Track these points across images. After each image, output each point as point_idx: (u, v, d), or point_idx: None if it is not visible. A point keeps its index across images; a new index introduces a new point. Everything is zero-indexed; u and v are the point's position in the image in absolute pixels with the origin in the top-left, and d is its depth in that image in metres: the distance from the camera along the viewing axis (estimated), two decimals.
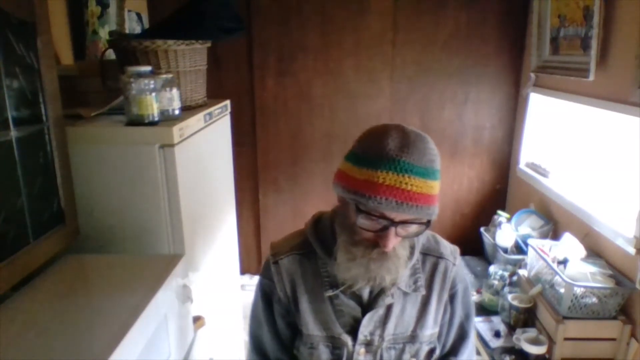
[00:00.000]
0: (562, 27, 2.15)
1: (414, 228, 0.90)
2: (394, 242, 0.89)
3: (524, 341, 1.73)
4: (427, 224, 0.90)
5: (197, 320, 1.38)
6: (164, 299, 1.07)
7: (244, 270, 2.85)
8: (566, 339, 1.72)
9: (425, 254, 1.05)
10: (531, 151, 2.62)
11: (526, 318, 1.90)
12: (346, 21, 2.62)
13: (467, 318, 1.10)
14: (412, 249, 1.01)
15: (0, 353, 0.83)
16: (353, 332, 1.00)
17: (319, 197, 2.89)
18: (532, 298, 1.90)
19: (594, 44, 1.86)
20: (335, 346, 1.02)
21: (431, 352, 1.06)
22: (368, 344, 1.01)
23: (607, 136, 1.99)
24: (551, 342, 1.74)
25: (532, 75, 2.46)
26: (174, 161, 1.28)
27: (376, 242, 0.90)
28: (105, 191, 1.30)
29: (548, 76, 2.33)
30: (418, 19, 2.62)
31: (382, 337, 1.01)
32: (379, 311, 1.00)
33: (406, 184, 0.84)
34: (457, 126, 2.79)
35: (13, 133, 1.03)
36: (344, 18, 2.62)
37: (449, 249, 1.09)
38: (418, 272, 1.03)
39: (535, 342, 1.73)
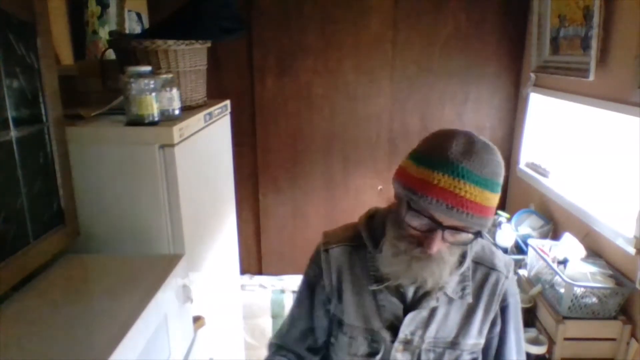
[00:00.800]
0: (562, 27, 2.15)
1: (462, 236, 0.89)
2: (439, 245, 0.87)
3: (524, 341, 1.73)
4: (477, 234, 0.89)
5: (197, 320, 1.38)
6: (164, 299, 1.07)
7: (244, 270, 2.85)
8: (566, 339, 1.71)
9: (477, 262, 1.04)
10: (531, 151, 2.62)
11: (526, 318, 1.89)
12: (346, 21, 2.62)
13: (519, 333, 1.09)
14: (463, 257, 0.99)
15: (0, 353, 0.83)
16: (392, 328, 1.01)
17: (319, 197, 2.89)
18: (532, 298, 1.90)
19: (594, 44, 1.86)
20: (374, 340, 1.02)
21: None
22: (407, 343, 1.00)
23: (607, 136, 1.99)
24: (551, 342, 1.74)
25: (532, 75, 2.46)
26: (174, 161, 1.28)
27: (421, 242, 0.88)
28: (105, 191, 1.30)
29: (548, 76, 2.33)
30: (418, 19, 2.62)
31: (422, 338, 1.00)
32: (422, 312, 0.99)
33: (460, 189, 0.82)
34: (457, 126, 2.74)
35: (13, 133, 1.03)
36: (344, 18, 2.62)
37: (503, 262, 1.06)
38: (467, 279, 1.02)
39: (535, 342, 1.73)
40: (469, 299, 1.01)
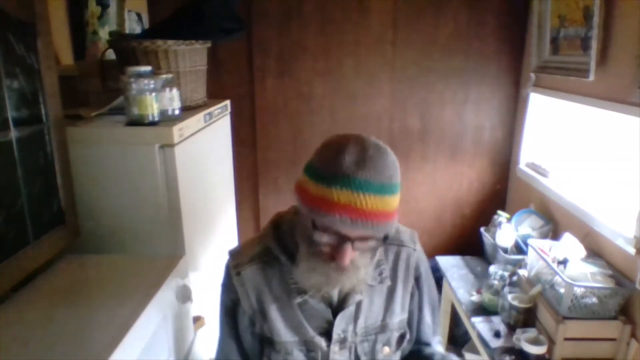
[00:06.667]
0: (562, 27, 2.15)
1: (371, 242, 0.89)
2: (350, 256, 0.88)
3: (524, 341, 1.73)
4: (385, 238, 0.89)
5: (197, 320, 1.38)
6: (164, 299, 1.07)
7: None
8: (566, 339, 1.71)
9: (387, 243, 1.04)
10: (531, 151, 2.62)
11: (526, 318, 1.90)
12: (346, 21, 2.62)
13: (433, 300, 1.14)
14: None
15: (1, 353, 0.83)
16: (326, 333, 1.01)
17: None
18: (532, 298, 1.90)
19: (594, 44, 1.86)
20: (310, 349, 1.01)
21: (402, 337, 1.08)
22: (342, 342, 1.01)
23: (607, 136, 1.99)
24: (551, 342, 1.74)
25: (532, 75, 2.46)
26: (174, 161, 1.28)
27: (334, 256, 0.88)
28: (105, 191, 1.30)
29: (548, 76, 2.33)
30: (418, 19, 2.62)
31: (355, 332, 1.02)
32: (350, 309, 1.01)
33: (361, 202, 0.81)
34: (457, 126, 2.79)
35: (13, 133, 1.03)
36: (344, 18, 2.62)
37: (408, 235, 1.09)
38: (382, 263, 1.04)
39: (535, 342, 1.73)
40: (388, 282, 1.04)
